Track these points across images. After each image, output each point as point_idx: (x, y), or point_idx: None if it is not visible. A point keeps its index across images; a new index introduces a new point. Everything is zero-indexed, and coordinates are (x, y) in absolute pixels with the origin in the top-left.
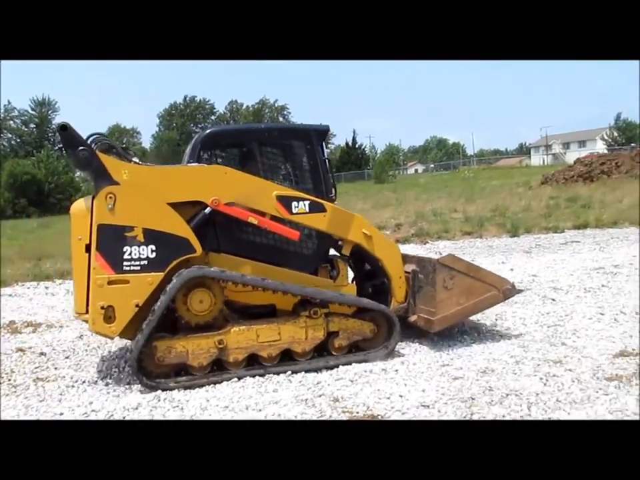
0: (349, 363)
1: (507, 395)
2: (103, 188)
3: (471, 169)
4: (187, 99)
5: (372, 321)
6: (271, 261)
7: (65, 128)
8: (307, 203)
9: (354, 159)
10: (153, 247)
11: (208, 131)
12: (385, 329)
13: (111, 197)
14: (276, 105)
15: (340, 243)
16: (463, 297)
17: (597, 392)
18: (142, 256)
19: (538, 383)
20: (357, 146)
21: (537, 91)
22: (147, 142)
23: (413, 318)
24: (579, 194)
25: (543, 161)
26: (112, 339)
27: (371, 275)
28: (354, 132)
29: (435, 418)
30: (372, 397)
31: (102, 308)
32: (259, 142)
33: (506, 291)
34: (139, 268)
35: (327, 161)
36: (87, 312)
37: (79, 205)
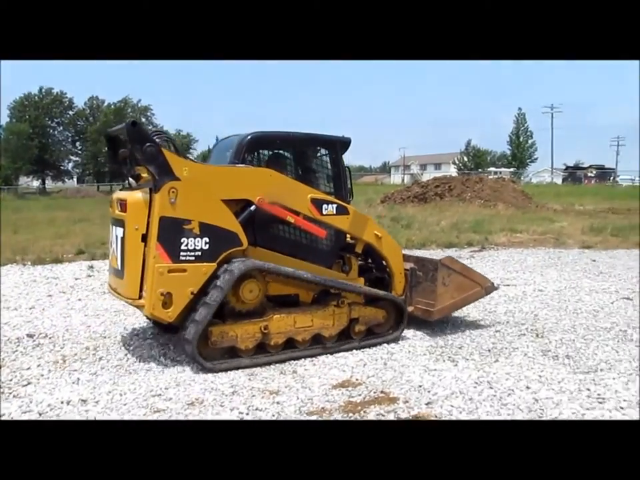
0: (370, 346)
1: None
2: (166, 183)
3: None
4: (43, 90)
5: (384, 308)
6: (296, 255)
7: (135, 124)
8: (334, 205)
9: None
10: (207, 240)
11: (252, 135)
12: (393, 316)
13: (173, 192)
14: (139, 105)
15: (353, 241)
16: (455, 292)
17: None
18: (197, 247)
19: (235, 419)
20: None
21: (401, 111)
22: None
23: (410, 309)
24: (405, 214)
25: (403, 180)
26: (167, 323)
27: (363, 269)
28: (217, 139)
29: None
30: None
31: (161, 294)
32: (294, 147)
33: (487, 288)
34: (193, 258)
35: (347, 168)
36: (140, 298)
37: (137, 197)
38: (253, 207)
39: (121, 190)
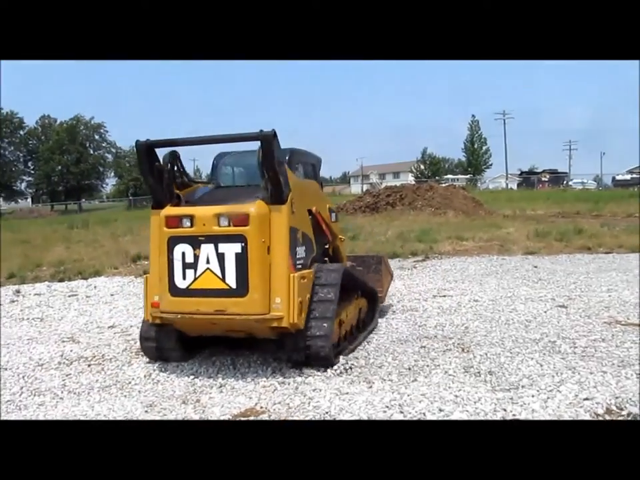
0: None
1: None
2: (288, 194)
3: None
4: None
5: (366, 299)
6: None
7: (276, 135)
8: (335, 214)
9: None
10: (304, 248)
11: (291, 150)
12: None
13: (293, 202)
14: (92, 122)
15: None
16: (385, 280)
17: None
18: (301, 255)
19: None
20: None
21: (358, 120)
22: None
23: None
24: (353, 224)
25: (362, 190)
26: (294, 331)
27: None
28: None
29: None
30: None
31: (300, 303)
32: (309, 162)
33: (392, 275)
34: (300, 266)
35: None
36: (269, 311)
37: (259, 210)
38: (310, 217)
39: (173, 205)
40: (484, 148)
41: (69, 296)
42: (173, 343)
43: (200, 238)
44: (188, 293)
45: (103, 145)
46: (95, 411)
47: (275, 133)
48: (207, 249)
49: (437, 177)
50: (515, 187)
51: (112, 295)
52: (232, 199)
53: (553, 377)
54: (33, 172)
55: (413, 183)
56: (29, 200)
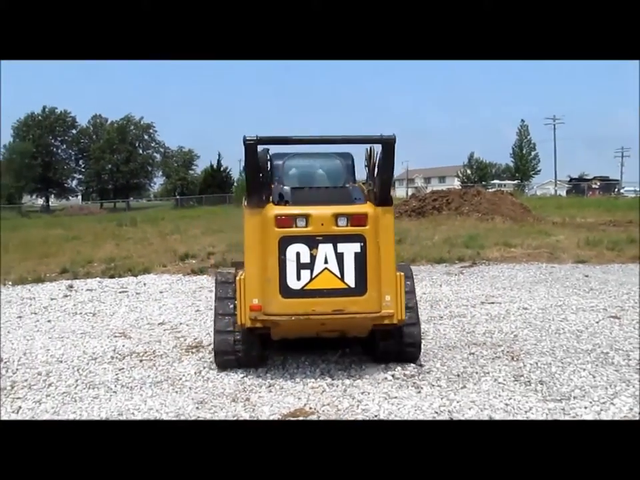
0: None
1: None
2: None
3: None
4: (47, 109)
5: None
6: None
7: (396, 139)
8: None
9: (218, 182)
10: None
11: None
12: None
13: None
14: (142, 122)
15: None
16: None
17: None
18: None
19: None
20: (221, 169)
21: (403, 124)
22: None
23: None
24: (399, 228)
25: (407, 194)
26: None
27: None
28: (219, 155)
29: None
30: None
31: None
32: None
33: None
34: None
35: None
36: (381, 309)
37: (374, 211)
38: None
39: (276, 204)
40: (532, 153)
41: (120, 292)
42: (257, 347)
43: (317, 238)
44: (303, 293)
45: (152, 144)
46: (147, 405)
47: (395, 137)
48: (325, 249)
49: (483, 182)
50: (563, 193)
51: (161, 292)
52: (332, 199)
53: (607, 389)
54: (83, 170)
55: (459, 187)
56: (79, 197)
